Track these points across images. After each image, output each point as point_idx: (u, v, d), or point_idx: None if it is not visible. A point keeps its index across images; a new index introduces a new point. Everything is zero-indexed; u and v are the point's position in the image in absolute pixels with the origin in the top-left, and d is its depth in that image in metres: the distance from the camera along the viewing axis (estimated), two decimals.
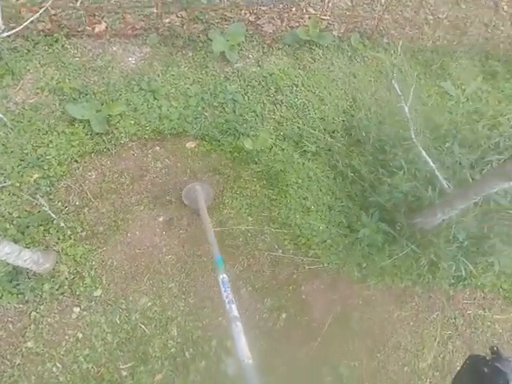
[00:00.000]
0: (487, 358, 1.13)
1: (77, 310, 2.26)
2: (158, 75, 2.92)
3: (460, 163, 2.40)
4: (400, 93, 1.75)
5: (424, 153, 1.86)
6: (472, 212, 2.24)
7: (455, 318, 2.50)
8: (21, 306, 2.20)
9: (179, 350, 2.25)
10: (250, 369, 1.36)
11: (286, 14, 3.31)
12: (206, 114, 2.83)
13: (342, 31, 3.35)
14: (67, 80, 2.74)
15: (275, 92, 3.02)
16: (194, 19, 3.19)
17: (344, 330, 2.41)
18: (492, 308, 2.57)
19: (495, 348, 1.12)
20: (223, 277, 1.79)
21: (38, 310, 2.20)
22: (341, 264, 2.51)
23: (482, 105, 3.13)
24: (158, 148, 2.75)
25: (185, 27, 3.11)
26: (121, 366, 2.16)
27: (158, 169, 2.69)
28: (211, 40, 3.04)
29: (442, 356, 2.41)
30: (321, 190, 2.65)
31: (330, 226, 2.55)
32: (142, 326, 2.27)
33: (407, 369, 2.34)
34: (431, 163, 1.85)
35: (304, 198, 2.61)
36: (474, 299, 2.55)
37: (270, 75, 3.05)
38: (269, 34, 3.24)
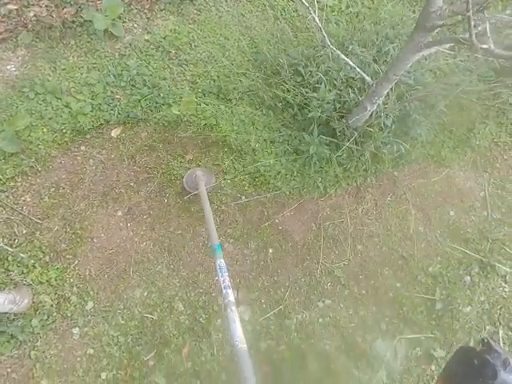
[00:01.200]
0: (477, 349, 1.11)
1: (76, 330, 2.17)
2: (49, 74, 2.68)
3: (365, 61, 2.65)
4: (308, 4, 1.86)
5: (342, 55, 2.03)
6: (390, 98, 2.52)
7: (405, 194, 2.86)
8: (16, 351, 2.06)
9: (192, 320, 2.30)
10: (244, 354, 1.37)
11: None
12: (118, 96, 2.71)
13: None
14: None
15: (176, 53, 2.96)
16: (61, 4, 2.92)
17: (325, 240, 2.64)
18: (427, 174, 2.97)
19: (485, 340, 1.10)
20: (220, 262, 1.79)
21: (36, 348, 2.08)
22: (300, 187, 2.69)
23: (362, 7, 3.40)
24: (83, 147, 2.60)
25: (54, 15, 2.84)
26: (145, 359, 2.17)
27: (93, 167, 2.55)
28: (90, 21, 2.84)
29: (405, 227, 2.77)
30: (257, 129, 2.75)
31: (279, 158, 2.69)
32: (148, 315, 2.27)
33: (385, 248, 2.68)
34: (351, 62, 2.04)
35: (246, 142, 2.69)
36: (413, 172, 2.93)
37: (164, 38, 2.96)
38: None
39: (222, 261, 1.81)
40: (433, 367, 2.43)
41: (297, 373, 2.28)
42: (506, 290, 2.65)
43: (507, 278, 2.67)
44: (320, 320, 2.44)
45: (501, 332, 2.55)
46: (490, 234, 2.80)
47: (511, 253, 2.76)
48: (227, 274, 1.75)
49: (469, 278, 2.65)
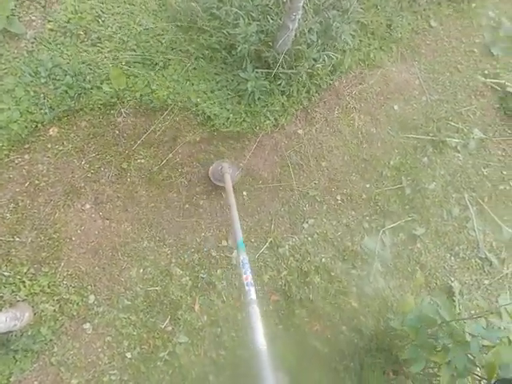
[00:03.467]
0: None
1: (87, 325, 2.20)
2: None
3: None
4: None
5: None
6: (308, 13, 2.57)
7: (349, 103, 2.98)
8: (35, 364, 2.06)
9: (194, 279, 2.38)
10: (263, 355, 1.38)
11: None
12: (43, 94, 2.58)
13: None
14: None
15: (86, 34, 2.81)
16: None
17: (292, 168, 2.73)
18: (364, 78, 3.09)
19: None
20: (243, 258, 1.78)
21: (55, 354, 2.10)
22: (252, 125, 2.74)
23: None
24: (27, 156, 2.49)
25: None
26: (162, 326, 2.24)
27: (44, 171, 2.47)
28: None
29: (359, 133, 2.91)
30: (194, 84, 2.73)
31: (223, 104, 2.70)
32: (151, 288, 2.32)
33: (346, 157, 2.81)
34: None
35: (187, 98, 2.68)
36: (351, 81, 3.03)
37: (68, 22, 2.80)
38: None
39: (246, 257, 1.80)
40: (418, 245, 2.66)
41: (304, 291, 2.44)
42: (460, 158, 2.90)
43: (458, 147, 2.91)
44: (309, 239, 2.58)
45: (466, 196, 2.81)
46: (434, 114, 3.01)
47: (456, 125, 2.98)
48: (250, 270, 1.74)
49: (426, 158, 2.86)
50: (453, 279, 2.62)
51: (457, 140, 2.92)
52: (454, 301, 2.53)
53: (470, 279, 2.64)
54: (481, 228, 2.75)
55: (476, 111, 3.08)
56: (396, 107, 3.02)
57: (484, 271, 2.68)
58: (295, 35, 2.51)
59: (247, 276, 1.71)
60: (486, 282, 2.66)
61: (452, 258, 2.68)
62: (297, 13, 2.20)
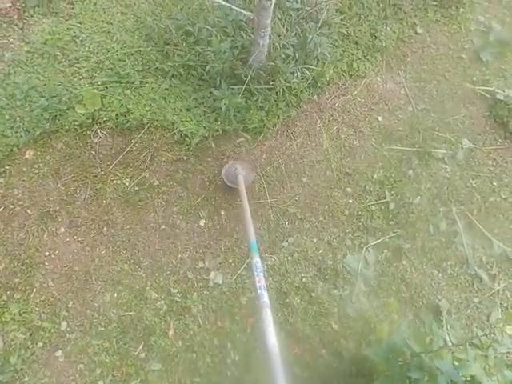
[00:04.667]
0: None
1: (59, 353, 2.17)
2: None
3: None
4: None
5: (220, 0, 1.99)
6: (281, 25, 2.52)
7: (332, 115, 2.90)
8: None
9: (170, 302, 2.33)
10: (275, 358, 1.38)
11: None
12: (18, 116, 2.57)
13: None
14: None
15: (63, 55, 2.80)
16: None
17: (272, 184, 2.67)
18: (347, 90, 3.01)
19: None
20: (256, 261, 1.77)
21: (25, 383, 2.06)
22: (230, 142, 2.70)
23: None
24: (1, 180, 2.48)
25: None
26: (135, 353, 2.20)
27: (19, 195, 2.46)
28: None
29: (341, 146, 2.82)
30: (170, 102, 2.69)
31: (200, 122, 2.65)
32: (125, 313, 2.28)
33: (328, 172, 2.74)
34: (223, 2, 2.00)
35: (164, 117, 2.64)
36: (333, 92, 2.96)
37: (45, 44, 2.80)
38: (7, 8, 2.90)
39: (259, 259, 1.78)
40: (403, 262, 2.57)
41: (282, 313, 2.37)
42: (448, 169, 2.79)
43: (445, 159, 2.81)
44: (289, 258, 2.51)
45: (454, 209, 2.70)
46: (420, 125, 2.91)
47: (443, 136, 2.88)
48: (263, 273, 1.72)
49: (411, 171, 2.77)
50: (440, 297, 2.51)
51: (444, 151, 2.82)
52: (442, 320, 2.43)
53: (458, 297, 2.54)
54: (470, 243, 2.64)
55: (464, 120, 2.97)
56: (380, 118, 2.93)
57: (474, 288, 2.57)
58: (269, 50, 2.45)
59: (260, 279, 1.70)
60: (476, 299, 2.54)
61: (439, 274, 2.57)
62: (265, 30, 2.15)
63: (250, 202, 2.57)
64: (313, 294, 2.43)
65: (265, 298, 1.61)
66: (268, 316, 1.53)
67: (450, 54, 3.18)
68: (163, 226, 2.50)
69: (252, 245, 1.87)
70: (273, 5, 1.97)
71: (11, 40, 2.83)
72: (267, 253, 2.51)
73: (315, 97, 2.87)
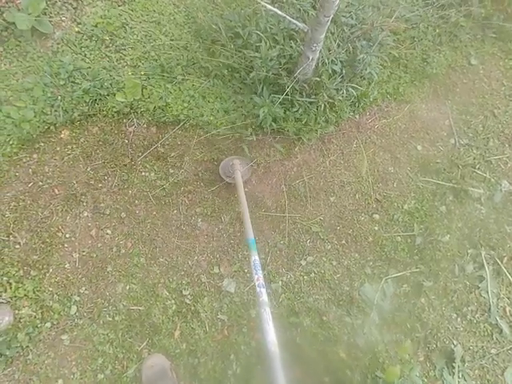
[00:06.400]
0: None
1: (65, 336, 2.17)
2: None
3: (303, 9, 2.55)
4: None
5: (273, 8, 1.94)
6: (334, 43, 2.45)
7: (369, 137, 2.83)
8: (9, 369, 2.06)
9: (180, 303, 2.31)
10: (275, 357, 1.39)
11: None
12: (59, 95, 2.60)
13: None
14: None
15: (111, 40, 2.82)
16: None
17: (298, 199, 2.62)
18: (389, 113, 2.92)
19: None
20: (255, 259, 1.75)
21: (28, 361, 2.09)
22: (262, 151, 2.65)
23: None
24: (35, 155, 2.51)
25: None
26: (139, 349, 2.19)
27: (49, 173, 2.48)
28: (13, 23, 2.69)
29: (375, 170, 2.75)
30: (209, 101, 2.67)
31: (236, 126, 2.62)
32: (134, 307, 2.27)
33: (358, 195, 2.67)
34: (279, 12, 1.95)
35: (200, 115, 2.62)
36: (374, 114, 2.88)
37: (96, 26, 2.82)
38: None
39: (257, 257, 1.77)
40: (422, 300, 2.47)
41: (291, 332, 2.32)
42: (483, 211, 2.67)
43: (482, 200, 2.69)
44: (305, 277, 2.45)
45: (483, 253, 2.59)
46: (460, 160, 2.80)
47: (483, 175, 2.76)
48: (261, 271, 1.71)
49: (444, 207, 2.66)
50: (456, 343, 2.41)
51: (481, 191, 2.71)
52: (454, 367, 2.33)
53: (475, 345, 2.43)
54: (495, 290, 2.53)
55: (508, 161, 2.84)
56: (419, 147, 2.83)
57: (492, 339, 2.45)
58: (317, 64, 2.39)
59: (258, 277, 1.68)
60: (493, 351, 2.43)
61: (458, 319, 2.47)
62: (317, 44, 2.09)
63: (273, 214, 2.55)
64: (324, 318, 2.37)
65: (263, 296, 1.59)
66: (267, 314, 1.52)
67: (502, 90, 3.05)
68: (184, 225, 2.48)
69: (250, 242, 1.84)
70: (329, 21, 1.91)
71: (63, 19, 2.86)
72: (283, 268, 2.46)
73: (356, 116, 2.79)
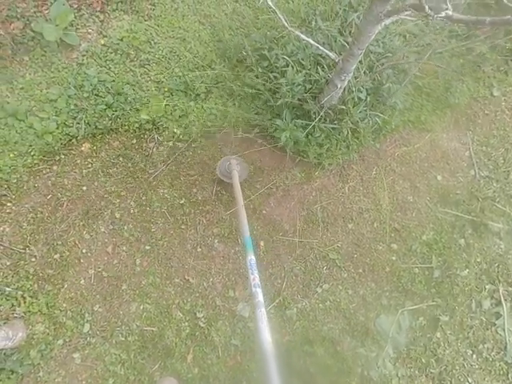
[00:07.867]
0: None
1: (76, 354, 2.15)
2: (7, 96, 2.57)
3: (330, 35, 2.55)
4: None
5: (303, 35, 1.94)
6: (361, 71, 2.44)
7: (389, 165, 2.81)
8: None
9: (193, 326, 2.28)
10: (269, 355, 1.39)
11: None
12: (83, 108, 2.60)
13: None
14: None
15: (136, 54, 2.83)
16: (7, 19, 2.77)
17: (316, 224, 2.60)
18: (410, 141, 2.91)
19: None
20: (251, 258, 1.72)
21: (39, 379, 2.06)
22: (282, 174, 2.64)
23: None
24: (55, 167, 2.51)
25: (2, 32, 2.70)
26: (151, 371, 2.16)
27: (68, 186, 2.48)
28: (40, 33, 2.70)
29: (394, 199, 2.73)
30: (230, 122, 2.67)
31: (256, 147, 2.61)
32: (148, 328, 2.24)
33: (376, 223, 2.64)
34: (312, 41, 1.94)
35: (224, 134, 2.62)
36: (395, 141, 2.87)
37: (121, 40, 2.83)
38: (96, 0, 2.95)
39: (253, 257, 1.74)
40: (438, 334, 2.44)
41: (304, 361, 2.28)
42: (502, 246, 2.64)
43: (501, 234, 2.66)
44: (320, 305, 2.42)
45: (501, 289, 2.55)
46: (480, 192, 2.77)
47: (502, 209, 2.74)
48: (257, 271, 1.69)
49: (463, 240, 2.63)
50: (470, 380, 2.37)
51: (501, 225, 2.68)
52: None
53: None
54: None
55: None
56: (439, 177, 2.81)
57: (508, 378, 2.41)
58: (343, 92, 2.39)
59: (254, 277, 1.65)
60: None
61: (474, 355, 2.43)
62: (347, 75, 2.08)
63: (291, 239, 2.53)
64: (338, 348, 2.33)
65: (259, 296, 1.58)
66: (262, 314, 1.52)
67: None
68: (201, 245, 2.46)
69: (246, 241, 1.80)
70: (362, 54, 1.91)
71: (90, 31, 2.87)
72: (299, 295, 2.44)
73: (377, 143, 2.78)
